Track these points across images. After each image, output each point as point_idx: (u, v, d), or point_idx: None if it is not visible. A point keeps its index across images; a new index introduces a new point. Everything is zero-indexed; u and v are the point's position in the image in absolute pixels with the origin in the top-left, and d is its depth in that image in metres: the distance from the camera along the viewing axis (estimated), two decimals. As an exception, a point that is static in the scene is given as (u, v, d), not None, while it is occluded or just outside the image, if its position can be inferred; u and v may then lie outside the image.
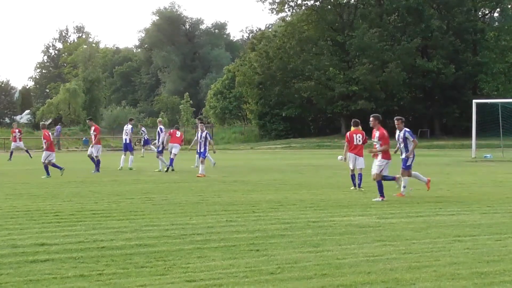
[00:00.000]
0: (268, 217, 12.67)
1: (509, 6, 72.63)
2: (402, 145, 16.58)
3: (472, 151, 38.75)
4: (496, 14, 78.19)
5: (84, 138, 63.11)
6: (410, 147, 16.49)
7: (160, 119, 32.97)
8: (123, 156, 28.10)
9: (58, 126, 64.38)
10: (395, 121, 16.76)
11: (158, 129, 28.07)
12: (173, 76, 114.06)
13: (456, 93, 68.26)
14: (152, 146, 43.58)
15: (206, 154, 24.41)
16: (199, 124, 26.05)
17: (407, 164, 16.43)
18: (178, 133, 27.71)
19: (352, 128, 18.62)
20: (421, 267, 8.30)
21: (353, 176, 18.45)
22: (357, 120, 18.91)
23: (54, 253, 9.20)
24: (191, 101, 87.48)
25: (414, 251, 9.33)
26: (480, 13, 75.31)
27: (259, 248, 9.57)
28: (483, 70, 68.30)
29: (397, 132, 16.67)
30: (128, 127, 28.30)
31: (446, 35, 67.72)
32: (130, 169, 27.12)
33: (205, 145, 24.22)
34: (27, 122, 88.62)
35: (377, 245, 9.77)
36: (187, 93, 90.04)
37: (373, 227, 11.51)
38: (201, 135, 24.32)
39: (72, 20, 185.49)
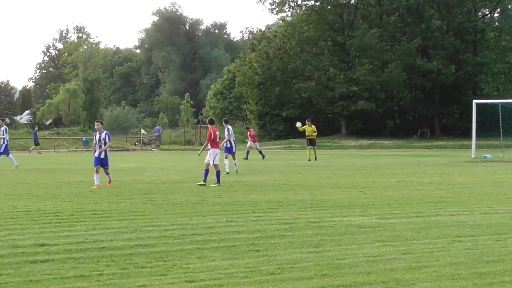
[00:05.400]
0: (268, 218, 12.67)
1: (509, 7, 72.51)
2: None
3: (472, 152, 38.72)
4: (496, 15, 78.11)
5: (84, 139, 63.11)
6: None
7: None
8: (226, 160, 25.47)
9: (158, 127, 65.17)
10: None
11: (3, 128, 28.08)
12: (173, 76, 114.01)
13: (456, 93, 68.22)
14: None
15: (108, 162, 20.01)
16: (95, 124, 20.86)
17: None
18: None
19: (210, 126, 20.52)
20: (421, 267, 8.30)
21: (207, 171, 19.58)
22: (212, 118, 21.86)
23: (54, 254, 9.20)
24: (191, 101, 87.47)
25: (414, 251, 9.33)
26: (480, 14, 75.22)
27: (259, 248, 9.57)
28: (483, 70, 68.24)
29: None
30: (230, 129, 25.54)
31: (446, 35, 67.65)
32: (227, 173, 24.51)
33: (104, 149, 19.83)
34: (27, 122, 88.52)
35: (377, 246, 9.77)
36: (187, 94, 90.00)
37: (373, 227, 11.51)
38: (100, 137, 19.88)
39: (72, 20, 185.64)
